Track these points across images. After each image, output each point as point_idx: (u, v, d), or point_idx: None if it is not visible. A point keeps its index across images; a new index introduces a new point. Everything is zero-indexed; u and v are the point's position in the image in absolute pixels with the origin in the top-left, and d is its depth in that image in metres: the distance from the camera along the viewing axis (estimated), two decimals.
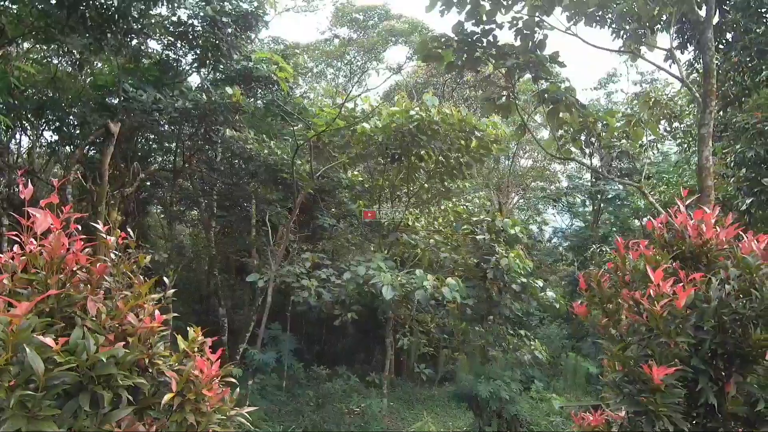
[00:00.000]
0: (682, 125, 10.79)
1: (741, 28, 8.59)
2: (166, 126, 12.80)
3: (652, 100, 6.20)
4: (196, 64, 12.32)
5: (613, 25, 6.62)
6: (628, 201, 18.31)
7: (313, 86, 19.43)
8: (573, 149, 6.94)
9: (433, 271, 12.54)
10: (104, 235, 2.16)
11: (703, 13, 5.97)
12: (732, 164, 7.61)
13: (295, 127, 11.42)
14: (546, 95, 6.36)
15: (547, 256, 24.04)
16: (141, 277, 2.25)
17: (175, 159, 13.02)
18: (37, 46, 12.19)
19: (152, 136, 13.78)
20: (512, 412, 11.02)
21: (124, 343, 1.93)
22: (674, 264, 2.70)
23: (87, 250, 2.07)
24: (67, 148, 12.64)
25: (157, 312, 2.10)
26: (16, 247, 1.99)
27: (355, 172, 13.58)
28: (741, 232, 2.65)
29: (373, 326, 15.58)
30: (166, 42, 11.90)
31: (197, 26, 11.34)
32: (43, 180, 10.73)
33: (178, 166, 12.82)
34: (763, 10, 8.58)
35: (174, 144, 13.16)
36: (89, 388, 1.80)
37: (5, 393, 1.56)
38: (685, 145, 10.59)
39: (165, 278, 2.51)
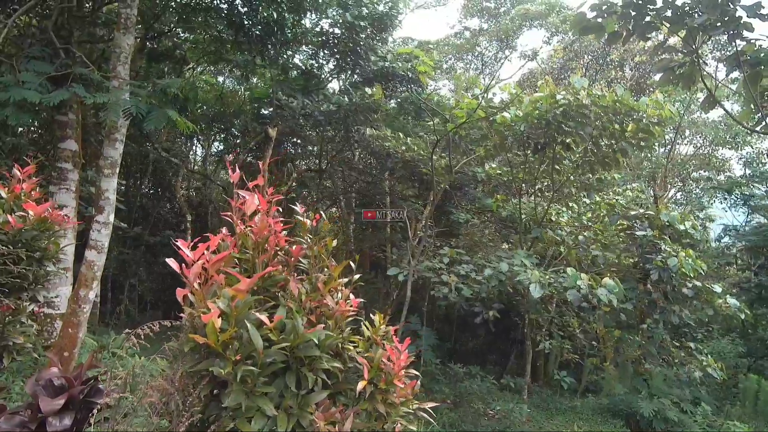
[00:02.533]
0: None
1: None
2: (311, 130, 13.80)
3: None
4: (336, 70, 13.03)
5: None
6: None
7: (450, 79, 19.25)
8: None
9: (581, 270, 11.43)
10: (302, 218, 2.19)
11: None
12: None
13: (433, 122, 11.35)
14: (743, 58, 5.22)
15: (716, 258, 20.56)
16: (333, 260, 2.25)
17: (320, 160, 13.92)
18: (209, 67, 14.07)
19: (298, 141, 14.98)
20: None
21: (323, 325, 1.91)
22: None
23: (283, 232, 2.13)
24: (231, 156, 14.35)
25: (351, 295, 2.06)
26: (224, 229, 2.12)
27: (492, 166, 13.04)
28: None
29: (506, 327, 14.87)
30: (310, 52, 12.78)
31: (338, 33, 11.95)
32: (215, 182, 12.30)
33: (322, 166, 13.68)
34: None
35: (318, 147, 14.11)
36: (294, 368, 1.81)
37: (231, 367, 1.61)
38: None
39: (351, 263, 2.49)
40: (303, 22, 11.38)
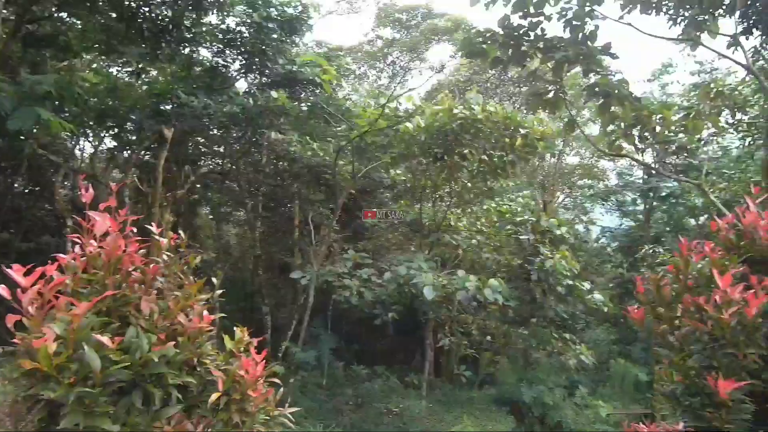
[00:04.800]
0: (746, 117, 10.02)
1: None
2: (215, 130, 13.30)
3: (714, 90, 5.78)
4: (243, 70, 12.73)
5: (670, 12, 6.23)
6: (683, 199, 17.27)
7: (356, 88, 19.58)
8: (625, 145, 6.60)
9: (475, 271, 12.32)
10: (157, 238, 2.24)
11: None
12: None
13: (338, 128, 11.55)
14: (596, 89, 6.08)
15: (594, 257, 23.11)
16: (191, 278, 2.32)
17: (223, 162, 13.50)
18: (99, 57, 12.97)
19: (202, 140, 14.36)
20: (556, 418, 10.64)
21: (174, 342, 1.99)
22: (743, 268, 2.50)
23: (141, 251, 2.16)
24: (125, 153, 13.36)
25: (205, 312, 2.16)
26: (77, 248, 2.10)
27: (397, 172, 13.57)
28: None
29: (412, 327, 15.54)
30: (215, 49, 12.35)
31: (245, 33, 11.70)
32: (103, 183, 11.41)
33: (226, 168, 13.28)
34: None
35: (222, 147, 13.64)
36: (142, 386, 1.87)
37: (65, 389, 1.64)
38: (749, 139, 9.82)
39: (213, 279, 2.57)
40: (207, 19, 11.00)
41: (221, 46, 12.06)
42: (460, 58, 21.66)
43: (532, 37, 6.48)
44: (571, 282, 10.20)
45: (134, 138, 12.80)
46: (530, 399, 10.50)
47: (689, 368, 2.22)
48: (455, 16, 20.69)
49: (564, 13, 6.50)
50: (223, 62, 12.44)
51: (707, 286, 2.36)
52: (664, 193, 17.75)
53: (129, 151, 12.99)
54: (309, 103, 12.47)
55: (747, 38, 8.85)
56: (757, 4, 8.42)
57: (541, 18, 6.11)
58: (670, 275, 2.63)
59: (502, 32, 6.60)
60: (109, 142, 14.28)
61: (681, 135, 6.24)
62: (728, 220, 2.67)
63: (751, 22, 8.68)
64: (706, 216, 15.62)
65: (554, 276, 10.05)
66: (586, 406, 14.15)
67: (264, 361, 2.30)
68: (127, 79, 13.14)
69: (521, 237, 10.69)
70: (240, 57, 12.40)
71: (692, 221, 18.64)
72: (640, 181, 19.72)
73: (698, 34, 6.05)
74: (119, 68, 13.38)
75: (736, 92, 8.91)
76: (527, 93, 6.36)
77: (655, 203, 19.14)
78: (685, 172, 14.74)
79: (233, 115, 11.58)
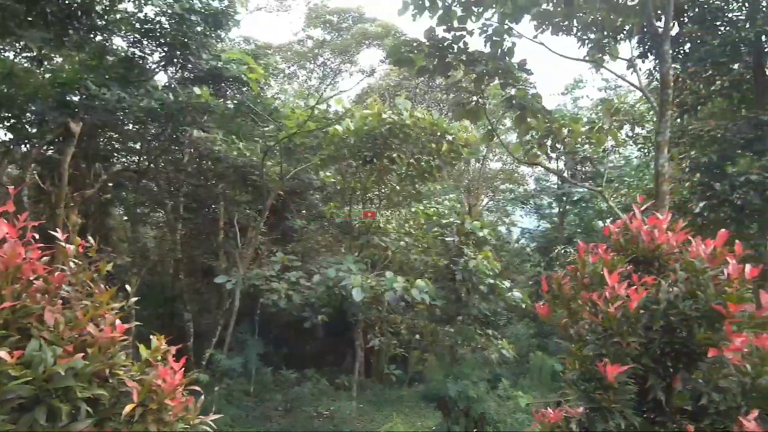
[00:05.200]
0: (643, 131, 11.26)
1: (697, 40, 9.03)
2: (131, 126, 12.45)
3: (614, 107, 6.48)
4: (163, 63, 12.05)
5: (579, 34, 6.86)
6: (592, 203, 18.93)
7: (284, 88, 19.27)
8: (539, 153, 7.14)
9: (404, 272, 12.63)
10: (63, 244, 2.10)
11: (661, 25, 6.26)
12: (687, 169, 8.02)
13: (266, 128, 11.31)
14: (513, 101, 6.52)
15: (516, 257, 24.55)
16: (102, 285, 2.20)
17: (140, 159, 12.67)
18: None
19: (116, 136, 13.38)
20: (479, 410, 11.21)
21: (83, 354, 1.89)
22: (629, 267, 2.84)
23: (45, 258, 2.01)
24: (23, 147, 12.12)
25: (118, 321, 2.06)
26: None
27: (327, 174, 13.54)
28: (690, 237, 2.80)
29: (342, 329, 15.60)
30: (132, 39, 11.60)
31: (165, 24, 11.10)
32: None
33: (143, 166, 12.48)
34: (717, 23, 9.05)
35: (139, 144, 12.80)
36: (46, 401, 1.76)
37: None
38: (645, 151, 11.06)
39: (127, 286, 2.46)
40: (122, 6, 10.29)
41: (138, 36, 11.36)
42: (390, 63, 22.10)
43: (455, 50, 6.82)
44: (492, 281, 10.79)
45: (35, 131, 11.65)
46: (455, 393, 10.95)
47: (585, 357, 2.49)
48: (386, 23, 21.06)
49: (485, 29, 6.91)
50: (140, 53, 11.71)
51: (600, 284, 2.65)
52: (575, 198, 19.29)
53: (28, 145, 11.79)
54: (235, 101, 12.09)
55: (643, 61, 9.95)
56: (650, 33, 9.48)
57: (464, 32, 6.44)
58: (570, 274, 2.93)
59: (428, 43, 6.88)
60: (3, 134, 12.87)
61: (587, 146, 6.92)
62: (618, 225, 3.02)
63: (647, 47, 9.76)
64: (611, 219, 17.26)
65: (477, 275, 10.58)
66: (507, 397, 15.00)
67: (183, 369, 2.24)
68: (26, 65, 11.93)
69: (447, 239, 11.13)
70: (160, 49, 11.74)
71: (600, 223, 20.44)
72: (555, 186, 21.27)
73: (601, 56, 6.72)
74: (17, 53, 12.12)
75: (635, 109, 9.99)
76: (451, 103, 6.67)
77: (568, 207, 20.77)
78: (592, 180, 16.22)
79: (151, 110, 10.92)
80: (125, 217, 14.23)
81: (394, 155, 11.76)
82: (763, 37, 8.52)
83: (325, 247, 14.98)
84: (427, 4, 6.66)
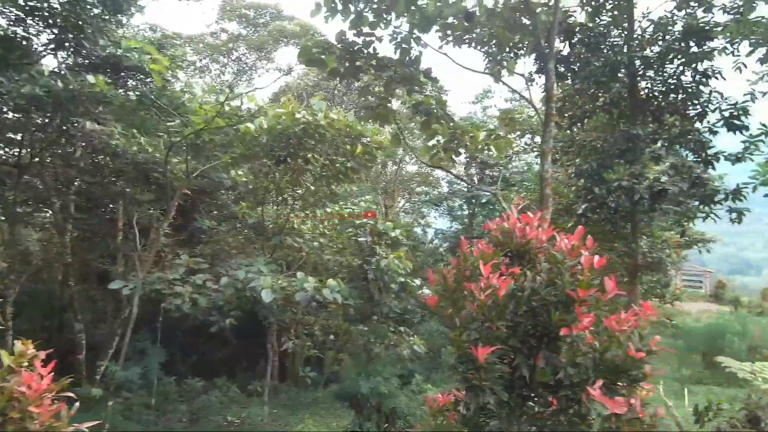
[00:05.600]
0: (539, 140, 12.34)
1: (584, 60, 10.09)
2: (11, 114, 11.12)
3: (508, 117, 7.07)
4: (52, 46, 10.94)
5: (478, 48, 7.37)
6: (498, 206, 20.29)
7: (191, 82, 18.35)
8: (443, 157, 7.56)
9: (319, 273, 12.61)
10: None
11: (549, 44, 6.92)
12: (573, 175, 8.96)
13: (171, 123, 10.70)
14: (420, 107, 6.84)
15: (430, 257, 25.53)
16: None
17: (21, 152, 11.36)
18: None
19: None
20: (390, 405, 11.51)
21: None
22: (505, 260, 3.15)
23: None
24: None
25: None
26: None
27: (239, 173, 13.12)
28: (555, 233, 3.18)
29: (256, 333, 15.18)
30: (13, 17, 10.41)
31: (54, 3, 10.11)
32: None
33: (25, 160, 11.19)
34: (601, 47, 10.18)
35: (20, 135, 11.45)
36: None
37: None
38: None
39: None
40: None
41: (21, 14, 10.22)
42: (300, 63, 21.90)
43: (365, 54, 7.00)
44: (403, 279, 11.15)
45: None
46: (367, 391, 11.14)
47: (462, 342, 2.74)
48: (304, 22, 20.88)
49: (395, 36, 7.18)
50: (23, 33, 10.54)
51: (478, 275, 2.93)
52: (483, 200, 20.54)
53: None
54: (137, 93, 11.28)
55: (540, 77, 10.90)
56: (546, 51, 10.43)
57: (374, 38, 6.65)
58: (454, 267, 3.19)
59: (339, 46, 7.00)
60: None
61: (487, 152, 7.46)
62: (497, 222, 3.34)
63: (543, 64, 10.71)
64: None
65: (389, 274, 10.87)
66: (420, 391, 15.54)
67: (52, 374, 2.11)
68: None
69: (360, 239, 11.32)
70: (48, 30, 10.66)
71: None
72: (465, 189, 22.48)
73: (499, 69, 7.28)
74: None
75: (532, 119, 10.92)
76: (359, 106, 6.83)
77: (477, 209, 22.06)
78: (502, 183, 17.41)
79: (36, 98, 9.85)
80: (2, 218, 12.64)
81: (309, 155, 11.72)
82: (637, 62, 9.76)
83: (236, 248, 14.48)
84: (340, 7, 6.78)
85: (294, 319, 13.37)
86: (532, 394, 2.80)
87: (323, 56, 6.92)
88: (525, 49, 8.79)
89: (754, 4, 8.83)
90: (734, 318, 21.59)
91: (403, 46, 6.90)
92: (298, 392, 16.23)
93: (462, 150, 7.45)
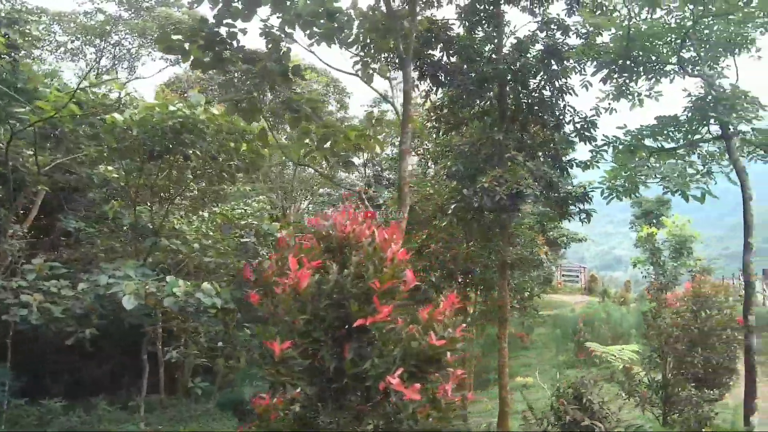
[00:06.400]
0: (424, 144, 12.89)
1: (459, 71, 10.69)
2: None
3: (375, 118, 7.30)
4: None
5: (345, 48, 7.47)
6: (395, 208, 20.84)
7: (59, 65, 16.46)
8: (316, 156, 7.54)
9: (200, 276, 11.94)
10: None
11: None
12: (445, 177, 9.49)
13: (19, 110, 9.43)
14: (290, 104, 6.75)
15: None
16: None
17: None
18: None
19: None
20: None
21: None
22: (326, 255, 3.18)
23: None
24: None
25: None
26: None
27: (109, 168, 12.00)
28: (375, 228, 3.27)
29: (139, 344, 14.04)
30: None
31: None
32: None
33: None
34: (478, 59, 10.84)
35: None
36: None
37: None
38: (423, 161, 12.74)
39: None
40: None
41: None
42: (158, 50, 20.51)
43: (232, 46, 6.75)
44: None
45: None
46: (249, 395, 10.78)
47: (267, 336, 2.71)
48: (194, 11, 19.68)
49: (266, 29, 7.01)
50: None
51: (288, 270, 2.91)
52: (379, 202, 20.98)
53: None
54: None
55: (421, 82, 11.34)
56: (428, 61, 10.94)
57: (237, 29, 6.43)
58: (273, 262, 3.15)
59: (203, 34, 6.66)
60: None
61: (361, 152, 7.64)
62: (319, 217, 3.36)
63: (424, 69, 11.17)
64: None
65: None
66: None
67: None
68: None
69: (243, 239, 10.93)
70: None
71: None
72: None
73: (371, 72, 7.45)
74: None
75: (416, 122, 11.41)
76: (222, 99, 6.57)
77: (372, 210, 22.42)
78: (395, 185, 17.91)
79: None
80: None
81: (190, 152, 11.05)
82: (509, 76, 10.56)
83: (109, 252, 13.20)
84: None
85: (181, 327, 12.53)
86: (340, 385, 2.85)
87: (186, 45, 6.54)
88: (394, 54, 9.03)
89: (600, 32, 10.04)
90: (601, 307, 24.40)
91: (273, 40, 6.76)
92: (189, 404, 15.29)
93: (336, 150, 7.49)
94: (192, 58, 6.70)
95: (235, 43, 6.52)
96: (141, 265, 10.32)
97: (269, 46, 6.97)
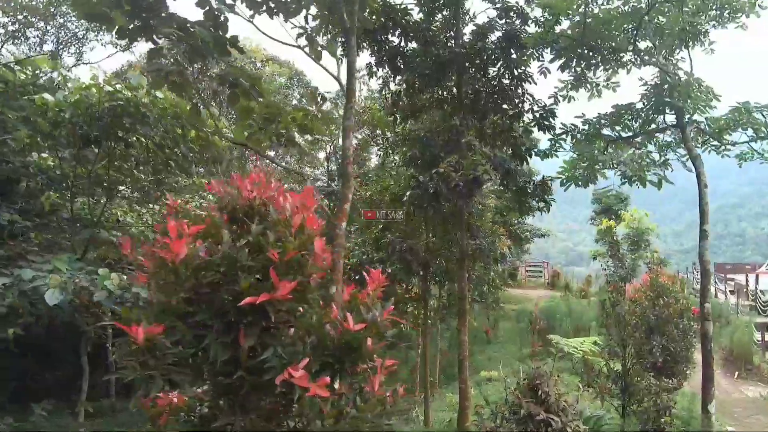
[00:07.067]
0: (385, 134, 12.48)
1: (417, 55, 10.32)
2: None
3: (320, 96, 6.85)
4: None
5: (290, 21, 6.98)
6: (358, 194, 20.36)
7: (11, 48, 15.26)
8: (262, 139, 7.02)
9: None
10: None
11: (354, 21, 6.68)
12: (401, 165, 9.12)
13: None
14: (226, 78, 6.21)
15: None
16: None
17: None
18: None
19: None
20: None
21: None
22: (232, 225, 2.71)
23: None
24: None
25: None
26: None
27: (44, 156, 11.07)
28: (285, 194, 2.82)
29: (93, 348, 13.15)
30: None
31: None
32: None
33: None
34: (436, 44, 10.48)
35: None
36: None
37: None
38: (383, 151, 12.36)
39: None
40: None
41: None
42: (77, 17, 19.37)
43: (163, 14, 6.14)
44: None
45: None
46: None
47: (127, 320, 2.22)
48: None
49: None
50: None
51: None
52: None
53: None
54: None
55: (379, 69, 10.92)
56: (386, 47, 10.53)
57: None
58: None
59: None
60: None
61: (308, 136, 7.18)
62: (223, 182, 2.89)
63: (383, 56, 10.75)
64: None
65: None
66: None
67: None
68: None
69: None
70: None
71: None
72: (325, 184, 22.22)
73: (317, 48, 6.98)
74: None
75: (372, 111, 11.01)
76: (147, 68, 5.97)
77: (337, 203, 21.88)
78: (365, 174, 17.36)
79: None
80: None
81: (133, 139, 10.28)
82: (467, 62, 10.25)
83: (47, 247, 12.21)
84: None
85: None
86: (236, 377, 2.39)
87: (109, 11, 5.88)
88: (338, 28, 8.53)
89: (558, 20, 9.89)
90: (563, 301, 24.67)
91: (209, 9, 6.20)
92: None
93: (283, 131, 6.97)
94: (117, 26, 6.05)
95: (166, 12, 5.91)
96: (77, 259, 9.51)
97: (205, 13, 6.39)
